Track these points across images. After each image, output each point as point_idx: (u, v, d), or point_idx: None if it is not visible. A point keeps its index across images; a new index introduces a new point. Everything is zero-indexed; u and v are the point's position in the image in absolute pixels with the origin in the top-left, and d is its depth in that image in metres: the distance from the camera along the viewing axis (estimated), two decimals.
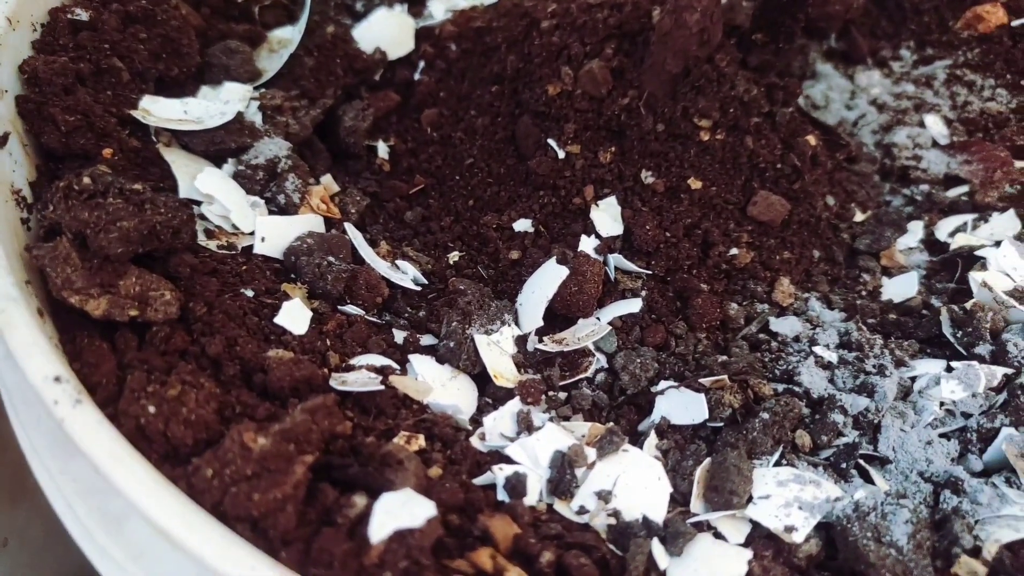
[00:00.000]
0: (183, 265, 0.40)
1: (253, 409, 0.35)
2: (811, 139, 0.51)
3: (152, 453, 0.32)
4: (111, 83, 0.48)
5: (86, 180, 0.38)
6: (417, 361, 0.42)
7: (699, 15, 0.46)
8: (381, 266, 0.48)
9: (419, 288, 0.48)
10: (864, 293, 0.49)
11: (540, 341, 0.45)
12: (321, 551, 0.29)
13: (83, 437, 0.29)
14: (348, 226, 0.49)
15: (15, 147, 0.42)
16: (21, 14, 0.46)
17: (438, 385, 0.42)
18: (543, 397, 0.42)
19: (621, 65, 0.50)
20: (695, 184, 0.48)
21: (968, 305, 0.45)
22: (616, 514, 0.35)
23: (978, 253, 0.49)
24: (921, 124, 0.61)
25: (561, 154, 0.50)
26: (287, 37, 0.57)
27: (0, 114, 0.42)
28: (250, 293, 0.42)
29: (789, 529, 0.35)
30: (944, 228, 0.54)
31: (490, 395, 0.43)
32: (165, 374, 0.34)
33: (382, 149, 0.57)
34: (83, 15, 0.48)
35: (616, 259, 0.47)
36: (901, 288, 0.49)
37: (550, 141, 0.50)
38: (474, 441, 0.39)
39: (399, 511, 0.30)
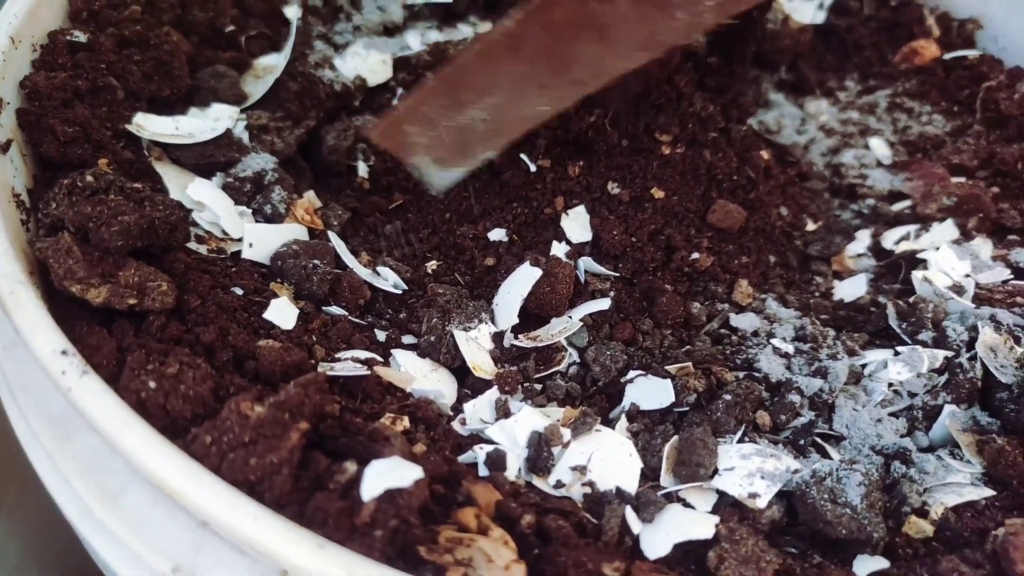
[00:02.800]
0: (178, 262, 0.42)
1: (246, 390, 0.37)
2: (764, 153, 0.55)
3: (152, 426, 0.33)
4: (107, 100, 0.50)
5: (89, 178, 0.40)
6: (399, 355, 0.45)
7: None
8: (363, 272, 0.50)
9: (399, 292, 0.51)
10: (817, 294, 0.53)
11: (516, 338, 0.47)
12: (316, 510, 0.31)
13: (91, 404, 0.31)
14: (331, 234, 0.51)
15: (15, 155, 0.45)
16: (23, 34, 0.49)
17: (420, 376, 0.44)
18: (519, 387, 0.44)
19: None
20: (658, 194, 0.52)
21: (912, 299, 0.48)
22: (591, 484, 0.38)
23: (920, 256, 0.53)
24: (866, 146, 0.66)
25: (533, 168, 0.53)
26: (272, 64, 0.61)
27: (2, 123, 0.44)
28: (240, 291, 0.44)
29: (753, 496, 0.37)
30: (890, 238, 0.57)
31: (469, 386, 0.45)
32: (163, 356, 0.36)
33: (362, 168, 0.60)
34: (81, 37, 0.51)
35: (586, 262, 0.50)
36: (851, 289, 0.52)
37: (522, 156, 0.53)
38: (455, 425, 0.41)
39: (389, 474, 0.32)
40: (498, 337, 0.47)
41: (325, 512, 0.31)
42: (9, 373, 0.38)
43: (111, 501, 0.34)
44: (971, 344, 0.44)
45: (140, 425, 0.31)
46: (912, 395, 0.43)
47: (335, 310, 0.47)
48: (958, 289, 0.48)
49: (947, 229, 0.56)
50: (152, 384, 0.34)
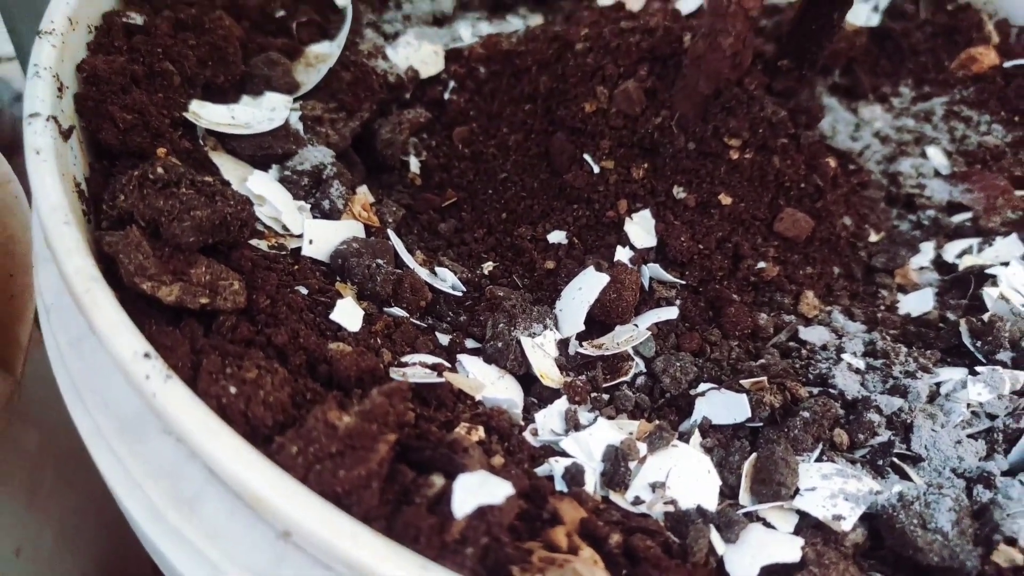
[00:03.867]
0: (245, 259, 0.41)
1: (322, 396, 0.36)
2: (831, 161, 0.54)
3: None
4: (163, 86, 0.49)
5: (160, 170, 0.38)
6: (467, 360, 0.44)
7: (732, 39, 0.49)
8: (422, 272, 0.49)
9: (458, 294, 0.49)
10: (883, 307, 0.52)
11: (580, 345, 0.46)
12: (407, 526, 0.30)
13: (176, 411, 0.30)
14: (391, 232, 0.50)
15: (75, 143, 0.43)
16: (79, 15, 0.47)
17: (488, 383, 0.43)
18: (588, 397, 0.43)
19: (654, 86, 0.52)
20: (725, 200, 0.51)
21: (986, 317, 0.47)
22: (673, 502, 0.37)
23: (988, 271, 0.51)
24: (923, 155, 0.65)
25: (596, 169, 0.52)
26: (325, 52, 0.59)
27: (63, 109, 0.43)
28: (304, 291, 0.43)
29: (837, 518, 0.36)
30: (951, 251, 0.56)
31: (536, 395, 0.44)
32: (239, 359, 0.35)
33: (414, 164, 0.58)
34: (137, 19, 0.50)
35: (652, 269, 0.49)
36: (918, 303, 0.51)
37: (586, 156, 0.52)
38: (527, 435, 0.40)
39: (479, 489, 0.31)
40: (562, 344, 0.46)
41: (417, 528, 0.30)
42: (75, 371, 0.37)
43: (186, 508, 0.33)
44: None
45: (228, 434, 0.30)
46: (992, 417, 0.42)
47: (397, 311, 0.46)
48: None
49: (1013, 244, 0.55)
50: (233, 390, 0.33)
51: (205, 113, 0.49)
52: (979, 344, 0.46)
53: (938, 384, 0.44)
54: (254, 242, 0.45)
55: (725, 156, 0.51)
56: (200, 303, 0.37)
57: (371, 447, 0.31)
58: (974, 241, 0.56)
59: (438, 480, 0.32)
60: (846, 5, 0.50)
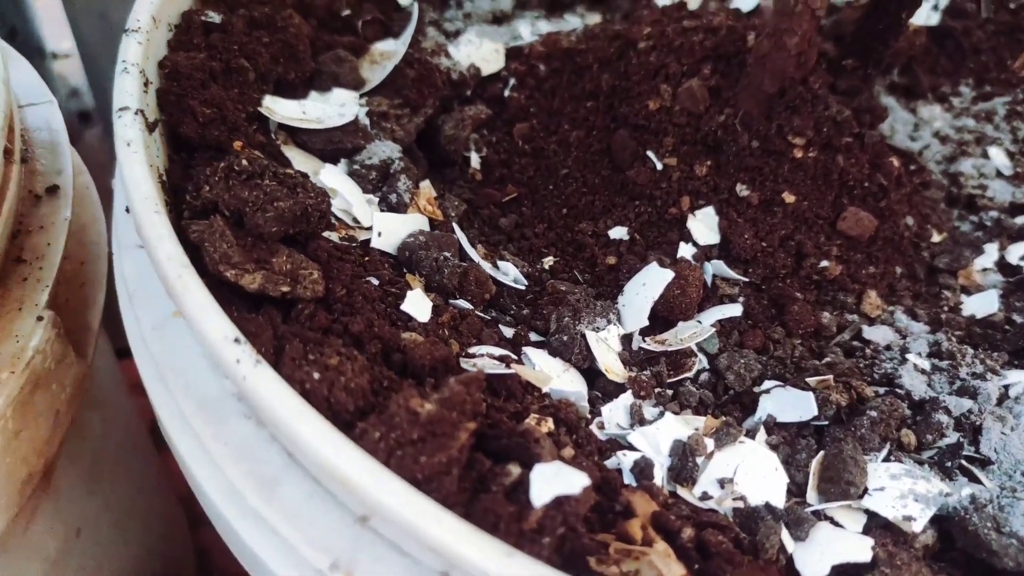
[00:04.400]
0: (321, 250, 0.42)
1: (398, 384, 0.37)
2: (895, 161, 0.53)
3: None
4: (239, 81, 0.50)
5: (244, 162, 0.40)
6: (532, 353, 0.44)
7: (798, 39, 0.49)
8: (485, 265, 0.50)
9: (521, 288, 0.50)
10: (947, 308, 0.52)
11: (644, 340, 0.46)
12: (486, 512, 0.31)
13: (266, 393, 0.31)
14: (455, 226, 0.51)
15: (157, 136, 0.45)
16: (161, 14, 0.49)
17: (554, 376, 0.43)
18: (653, 392, 0.44)
19: (718, 84, 0.52)
20: (789, 198, 0.51)
21: None
22: (743, 498, 0.37)
23: None
24: (984, 155, 0.64)
25: (659, 166, 0.52)
26: (389, 50, 0.60)
27: (148, 103, 0.44)
28: (376, 281, 0.44)
29: (908, 519, 0.36)
30: (1015, 252, 0.56)
31: (599, 389, 0.44)
32: (320, 347, 0.36)
33: (475, 159, 0.59)
34: (216, 17, 0.51)
35: (716, 266, 0.49)
36: (983, 304, 0.51)
37: (649, 153, 0.52)
38: (593, 428, 0.41)
39: (555, 479, 0.32)
40: (626, 339, 0.46)
41: (496, 515, 0.31)
42: (159, 354, 0.39)
43: (267, 491, 0.34)
44: None
45: (316, 418, 0.31)
46: None
47: (463, 303, 0.47)
48: None
49: None
50: (316, 375, 0.34)
51: (278, 108, 0.51)
52: None
53: (1007, 386, 0.44)
54: (326, 234, 0.46)
55: (789, 154, 0.51)
56: (282, 291, 0.38)
57: (452, 434, 0.32)
58: None
59: (515, 469, 0.33)
60: (914, 4, 0.50)
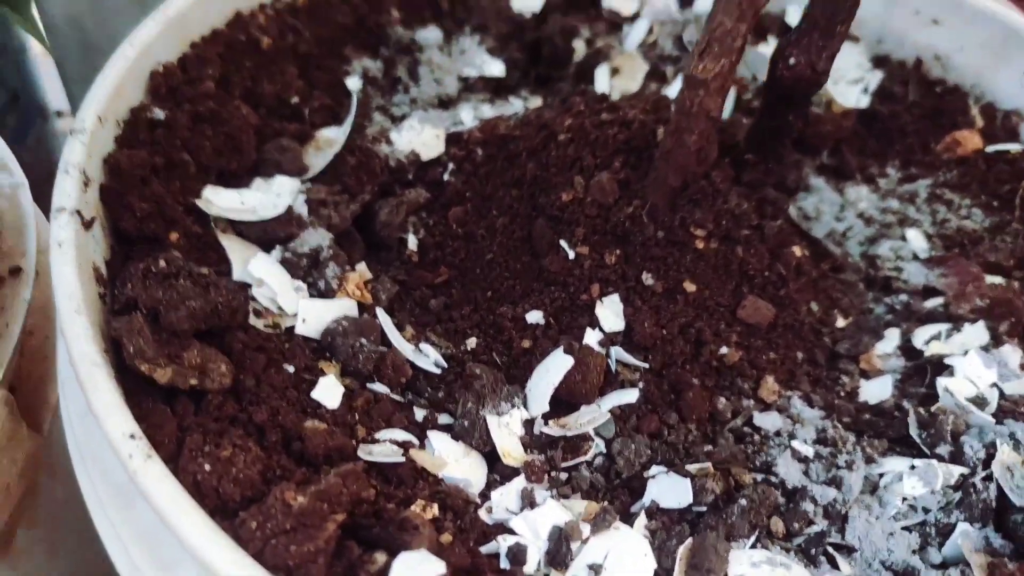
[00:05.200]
0: (236, 341, 0.46)
1: (291, 472, 0.40)
2: (796, 250, 0.57)
3: (204, 506, 0.37)
4: (180, 175, 0.54)
5: (162, 263, 0.44)
6: (434, 437, 0.47)
7: (696, 136, 0.53)
8: (407, 349, 0.53)
9: (439, 371, 0.53)
10: (843, 394, 0.54)
11: (546, 424, 0.50)
12: None
13: (152, 489, 0.34)
14: (379, 311, 0.55)
15: (97, 230, 0.49)
16: (108, 112, 0.53)
17: (452, 460, 0.46)
18: (546, 476, 0.47)
19: (627, 177, 0.56)
20: (690, 287, 0.54)
21: (933, 408, 0.49)
22: None
23: (947, 361, 0.53)
24: (903, 238, 0.67)
25: (572, 255, 0.56)
26: (333, 137, 0.64)
27: (88, 201, 0.49)
28: (291, 369, 0.47)
29: None
30: (921, 336, 0.58)
31: (498, 472, 0.47)
32: (219, 437, 0.40)
33: (412, 241, 0.63)
34: (160, 114, 0.56)
35: (617, 352, 0.52)
36: (877, 390, 0.54)
37: (562, 242, 0.56)
38: (482, 513, 0.44)
39: (416, 567, 0.35)
40: (529, 423, 0.49)
41: None
42: (80, 440, 0.42)
43: (166, 572, 0.38)
44: (988, 462, 0.45)
45: (193, 510, 0.34)
46: (926, 511, 0.44)
47: (379, 387, 0.50)
48: (980, 402, 0.49)
49: (978, 332, 0.57)
50: (207, 467, 0.37)
51: (216, 199, 0.55)
52: (924, 436, 0.48)
53: (881, 474, 0.47)
54: (253, 320, 0.50)
55: (691, 245, 0.54)
56: (190, 383, 0.42)
57: (320, 525, 0.35)
58: (944, 327, 0.58)
59: (380, 557, 0.36)
60: (803, 107, 0.53)
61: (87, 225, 0.47)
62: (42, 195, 0.58)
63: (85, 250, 0.46)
